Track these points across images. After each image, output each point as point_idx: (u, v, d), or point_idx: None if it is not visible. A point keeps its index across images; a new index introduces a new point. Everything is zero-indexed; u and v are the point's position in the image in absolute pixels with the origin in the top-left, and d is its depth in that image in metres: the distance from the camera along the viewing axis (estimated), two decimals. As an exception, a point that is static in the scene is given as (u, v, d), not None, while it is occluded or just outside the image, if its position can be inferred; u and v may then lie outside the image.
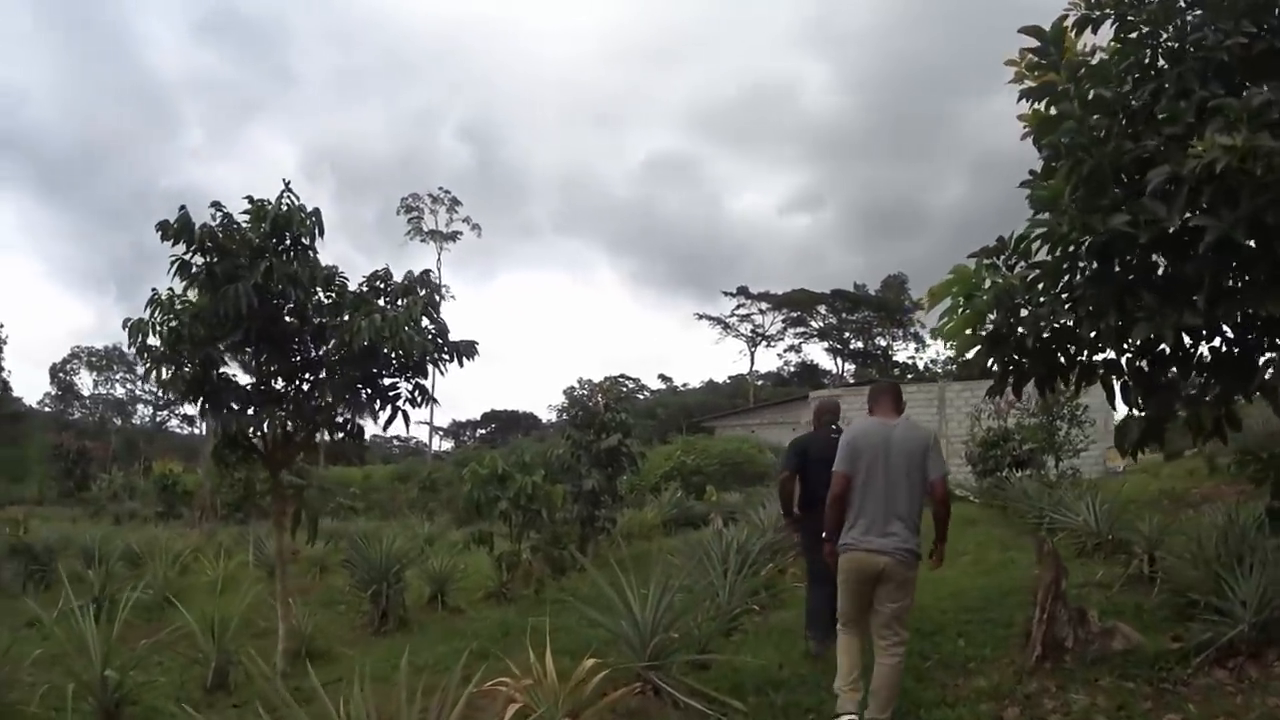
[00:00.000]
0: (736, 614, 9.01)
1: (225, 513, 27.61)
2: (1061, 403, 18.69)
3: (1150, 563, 9.29)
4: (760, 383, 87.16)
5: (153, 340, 8.90)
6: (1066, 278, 6.70)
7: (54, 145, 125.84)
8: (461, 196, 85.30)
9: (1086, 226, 6.09)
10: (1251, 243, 5.71)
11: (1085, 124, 6.35)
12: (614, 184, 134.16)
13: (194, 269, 8.89)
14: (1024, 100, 6.86)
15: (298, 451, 10.45)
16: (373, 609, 12.10)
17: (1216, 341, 6.66)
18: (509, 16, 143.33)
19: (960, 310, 6.94)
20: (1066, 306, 6.61)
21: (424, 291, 9.61)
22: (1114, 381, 6.95)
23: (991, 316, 6.82)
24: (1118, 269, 6.44)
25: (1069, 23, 6.62)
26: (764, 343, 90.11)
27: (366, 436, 10.61)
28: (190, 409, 9.58)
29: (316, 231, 9.22)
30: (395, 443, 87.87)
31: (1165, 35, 6.48)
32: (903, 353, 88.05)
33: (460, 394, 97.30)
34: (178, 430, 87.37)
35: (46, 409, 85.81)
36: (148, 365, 9.23)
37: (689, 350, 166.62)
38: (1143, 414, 6.84)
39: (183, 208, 8.84)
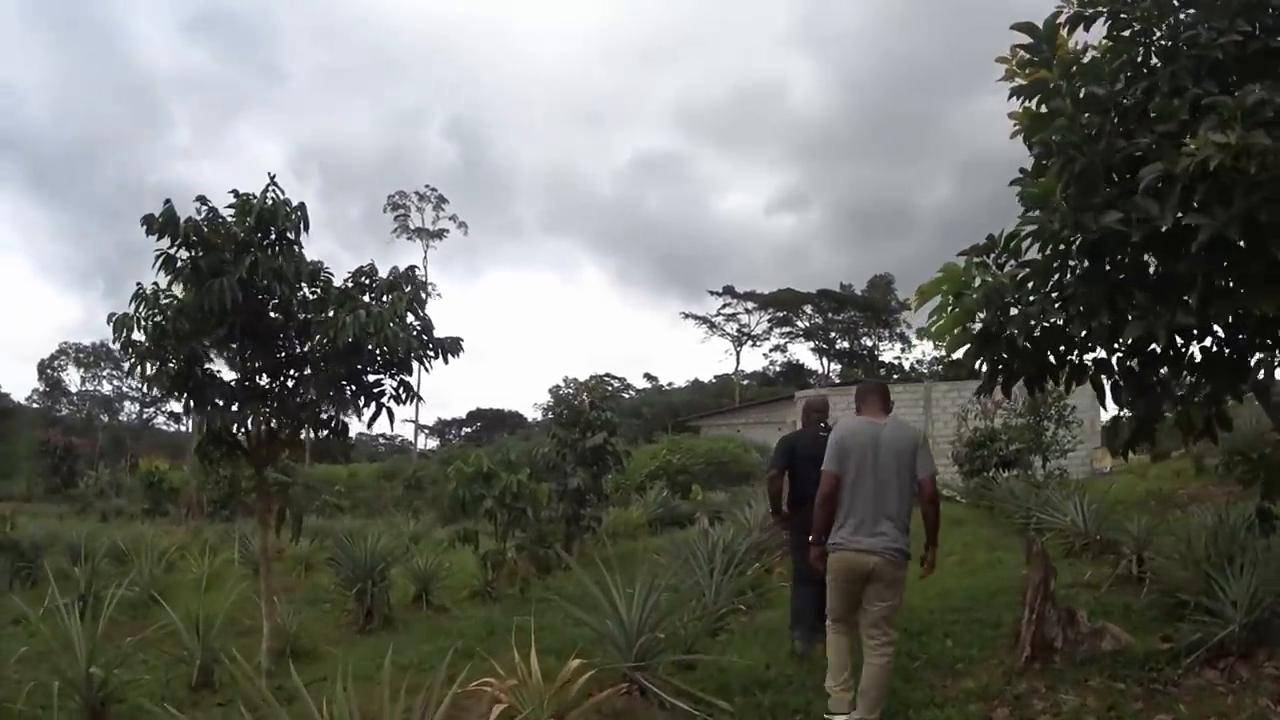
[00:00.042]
0: (723, 614, 8.98)
1: (211, 510, 27.58)
2: (1049, 403, 18.68)
3: (1139, 563, 9.31)
4: (746, 382, 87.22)
5: (137, 335, 8.81)
6: (1057, 276, 6.65)
7: (43, 143, 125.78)
8: (448, 195, 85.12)
9: (1078, 224, 6.04)
10: (1244, 242, 5.65)
11: (1077, 121, 6.30)
12: (601, 183, 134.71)
13: (179, 263, 8.80)
14: (1014, 98, 6.80)
15: (282, 449, 10.36)
16: (358, 607, 12.08)
17: (1207, 341, 6.62)
18: (496, 15, 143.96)
19: (949, 309, 6.88)
20: (1057, 305, 6.55)
21: (409, 288, 9.53)
22: (1104, 381, 6.91)
23: (981, 315, 6.75)
24: (1109, 268, 6.38)
25: (1061, 20, 6.57)
26: (750, 342, 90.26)
27: (351, 434, 10.53)
28: (176, 406, 9.47)
29: (302, 226, 9.12)
30: (381, 441, 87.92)
31: (1158, 33, 6.42)
32: (888, 353, 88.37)
33: (446, 392, 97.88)
34: (164, 427, 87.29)
35: (34, 405, 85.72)
36: (132, 361, 9.13)
37: (675, 349, 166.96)
38: (1133, 414, 6.78)
39: (167, 201, 8.75)
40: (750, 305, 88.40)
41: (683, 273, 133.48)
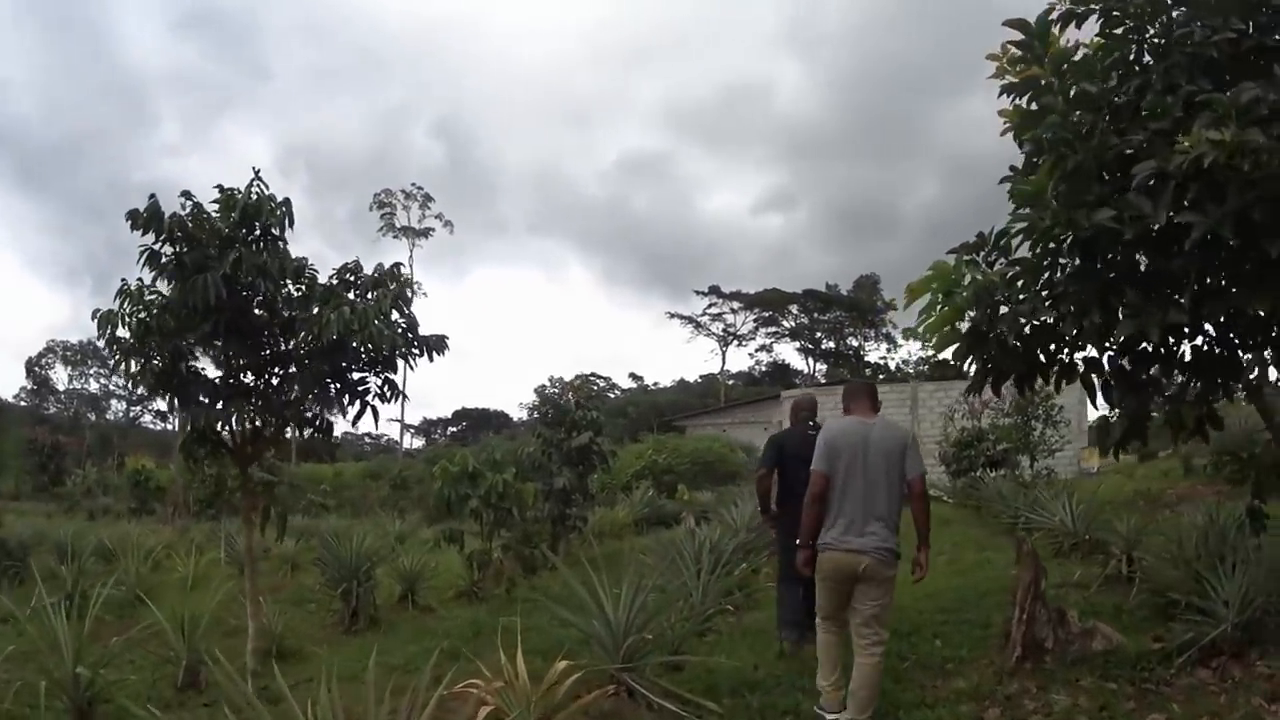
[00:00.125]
0: (710, 615, 8.92)
1: (197, 509, 27.45)
2: (1036, 403, 18.67)
3: (1128, 563, 9.30)
4: (731, 382, 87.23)
5: (122, 332, 8.72)
6: (1047, 275, 6.62)
7: (31, 139, 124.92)
8: (434, 194, 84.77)
9: (1070, 222, 6.01)
10: (1237, 240, 5.62)
11: (1069, 119, 6.27)
12: (586, 183, 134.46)
13: (163, 259, 8.71)
14: (1005, 96, 6.76)
15: (267, 447, 10.29)
16: (343, 607, 12.05)
17: (1198, 340, 6.59)
18: (483, 15, 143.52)
19: (939, 307, 6.85)
20: (1047, 304, 6.52)
21: (394, 285, 9.45)
22: (1094, 380, 6.87)
23: (971, 313, 6.73)
24: (1101, 265, 6.35)
25: (1054, 17, 6.53)
26: (735, 342, 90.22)
27: (336, 433, 10.46)
28: (162, 404, 9.39)
29: (286, 222, 9.02)
30: (366, 440, 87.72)
31: (1151, 31, 6.40)
32: (874, 353, 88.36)
33: (432, 392, 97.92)
34: (151, 426, 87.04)
35: (22, 403, 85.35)
36: (117, 358, 9.06)
37: (660, 349, 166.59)
38: (1124, 413, 6.75)
39: (152, 196, 8.66)
40: (736, 305, 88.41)
41: (669, 272, 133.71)
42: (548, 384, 64.93)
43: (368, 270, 9.59)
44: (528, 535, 14.69)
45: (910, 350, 78.19)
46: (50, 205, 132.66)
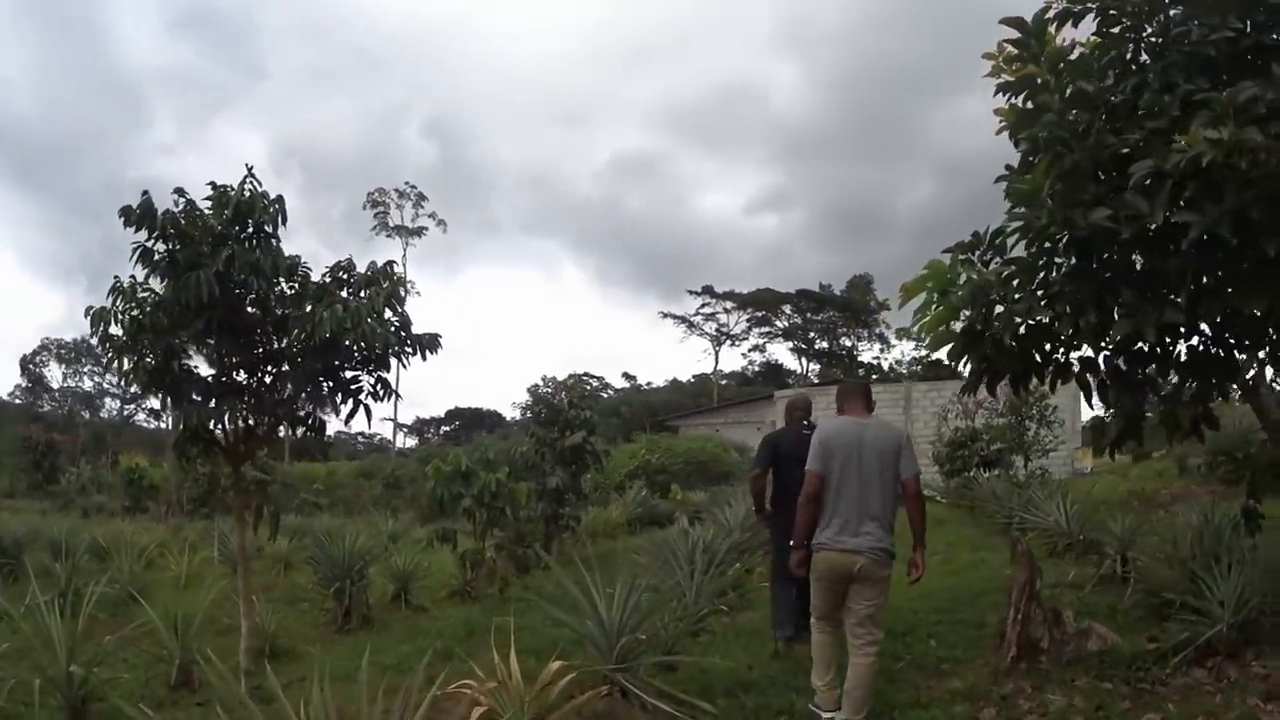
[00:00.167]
0: (704, 615, 8.89)
1: (191, 507, 27.43)
2: (1030, 403, 18.67)
3: (1123, 563, 9.29)
4: (724, 382, 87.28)
5: (115, 330, 8.67)
6: (1043, 274, 6.61)
7: (28, 137, 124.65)
8: (428, 194, 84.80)
9: (1067, 221, 5.98)
10: (1235, 239, 5.60)
11: (1065, 117, 6.25)
12: (580, 183, 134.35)
13: (156, 256, 8.66)
14: (1000, 94, 6.75)
15: (259, 446, 10.25)
16: (336, 607, 12.03)
17: (1194, 340, 6.58)
18: (477, 14, 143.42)
19: (934, 307, 6.83)
20: (1043, 303, 6.50)
21: (387, 283, 9.40)
22: (1090, 380, 6.86)
23: (966, 313, 6.70)
24: (1097, 265, 6.33)
25: (1050, 15, 6.51)
26: (729, 342, 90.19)
27: (329, 432, 10.43)
28: (156, 403, 9.35)
29: (279, 219, 8.97)
30: (359, 439, 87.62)
31: (1148, 30, 6.38)
32: (867, 353, 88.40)
33: (424, 391, 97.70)
34: (145, 425, 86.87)
35: (17, 401, 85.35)
36: (110, 355, 9.01)
37: (653, 349, 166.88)
38: (1120, 413, 6.73)
39: (145, 193, 8.60)
40: (729, 305, 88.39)
41: (662, 272, 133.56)
42: (541, 383, 65.23)
43: (360, 268, 9.55)
44: (521, 535, 14.66)
45: (903, 350, 78.32)
46: (46, 204, 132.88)
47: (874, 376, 69.71)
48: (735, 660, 7.77)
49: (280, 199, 9.03)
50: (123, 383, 9.26)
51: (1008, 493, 15.21)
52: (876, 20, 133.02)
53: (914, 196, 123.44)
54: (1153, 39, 6.35)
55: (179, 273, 8.52)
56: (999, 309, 6.56)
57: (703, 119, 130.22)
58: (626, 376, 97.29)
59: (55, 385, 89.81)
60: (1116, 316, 6.08)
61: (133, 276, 8.70)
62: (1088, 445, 28.50)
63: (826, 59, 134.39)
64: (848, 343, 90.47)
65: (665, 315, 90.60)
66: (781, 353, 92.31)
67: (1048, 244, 6.41)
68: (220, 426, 9.41)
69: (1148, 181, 5.60)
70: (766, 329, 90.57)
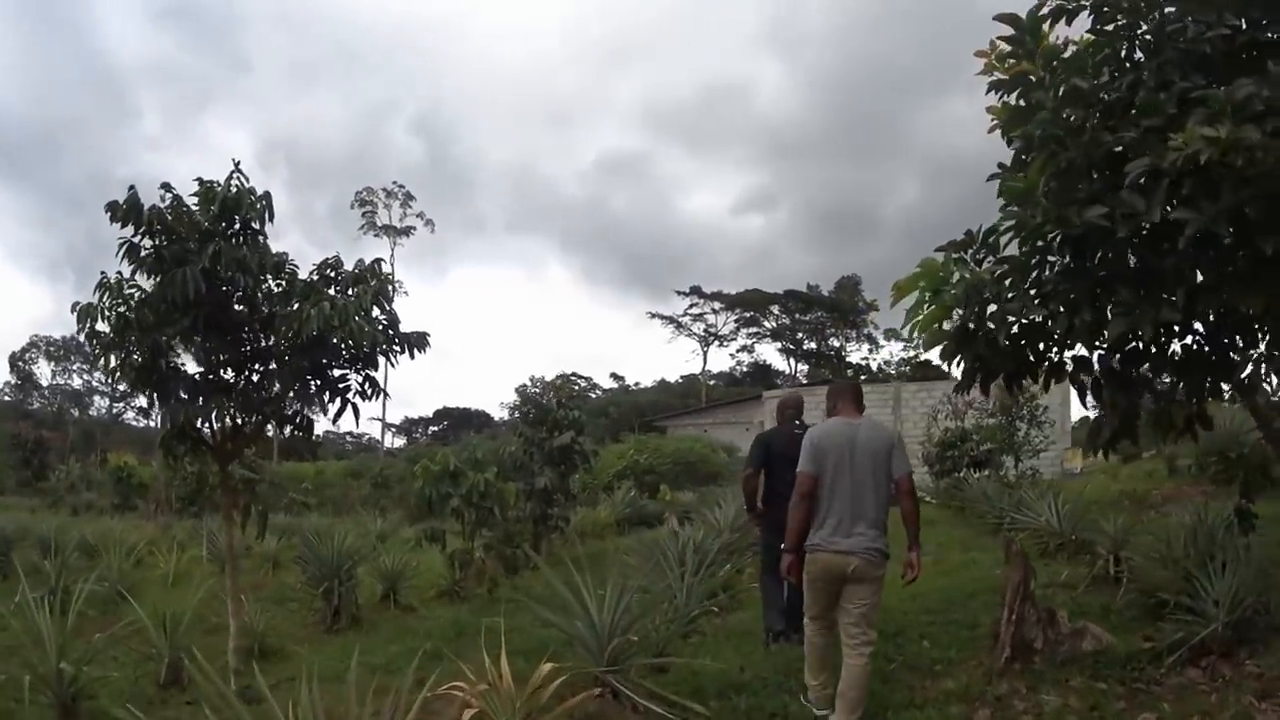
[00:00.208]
0: (694, 616, 8.83)
1: (179, 506, 27.36)
2: (1021, 403, 18.65)
3: (1115, 563, 9.26)
4: (713, 383, 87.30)
5: (101, 326, 8.60)
6: (1036, 273, 6.57)
7: (12, 129, 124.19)
8: (414, 191, 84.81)
9: (1061, 219, 5.94)
10: (1230, 238, 5.57)
11: (1060, 115, 6.21)
12: (567, 182, 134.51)
13: (142, 252, 8.59)
14: (993, 92, 6.72)
15: (247, 444, 10.18)
16: (325, 606, 11.98)
17: (1189, 339, 6.55)
18: (463, 12, 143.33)
19: (926, 306, 6.80)
20: (1036, 302, 6.47)
21: (375, 281, 9.34)
22: (1084, 379, 6.83)
23: (959, 312, 6.67)
24: (1092, 263, 6.30)
25: (1044, 12, 6.48)
26: (717, 342, 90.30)
27: (317, 431, 10.35)
28: (143, 401, 9.28)
29: (266, 215, 8.91)
30: (348, 439, 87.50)
31: (1143, 27, 6.35)
32: (856, 354, 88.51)
33: (413, 390, 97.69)
34: (134, 423, 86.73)
35: (5, 398, 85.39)
36: (96, 352, 8.95)
37: (641, 349, 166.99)
38: (1114, 412, 6.70)
39: (131, 188, 8.53)
40: (717, 305, 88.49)
41: (649, 272, 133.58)
42: (529, 383, 65.12)
43: (348, 266, 9.50)
44: (509, 535, 14.60)
45: (892, 351, 78.58)
46: (31, 198, 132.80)
47: (863, 377, 69.86)
48: (727, 661, 7.73)
49: (267, 195, 8.96)
50: (110, 380, 9.22)
51: (998, 493, 15.23)
52: (862, 20, 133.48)
53: (901, 197, 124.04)
54: (1147, 36, 6.31)
55: (165, 269, 8.45)
56: (992, 308, 6.52)
57: (689, 119, 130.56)
58: (614, 377, 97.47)
59: (44, 382, 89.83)
60: (1111, 315, 6.06)
61: (119, 272, 8.63)
62: (1077, 446, 28.56)
63: (812, 59, 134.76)
64: (836, 343, 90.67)
65: (653, 315, 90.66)
66: (770, 353, 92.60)
67: (1041, 242, 6.37)
68: (207, 425, 9.33)
69: (1142, 180, 5.57)
70: (754, 329, 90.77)
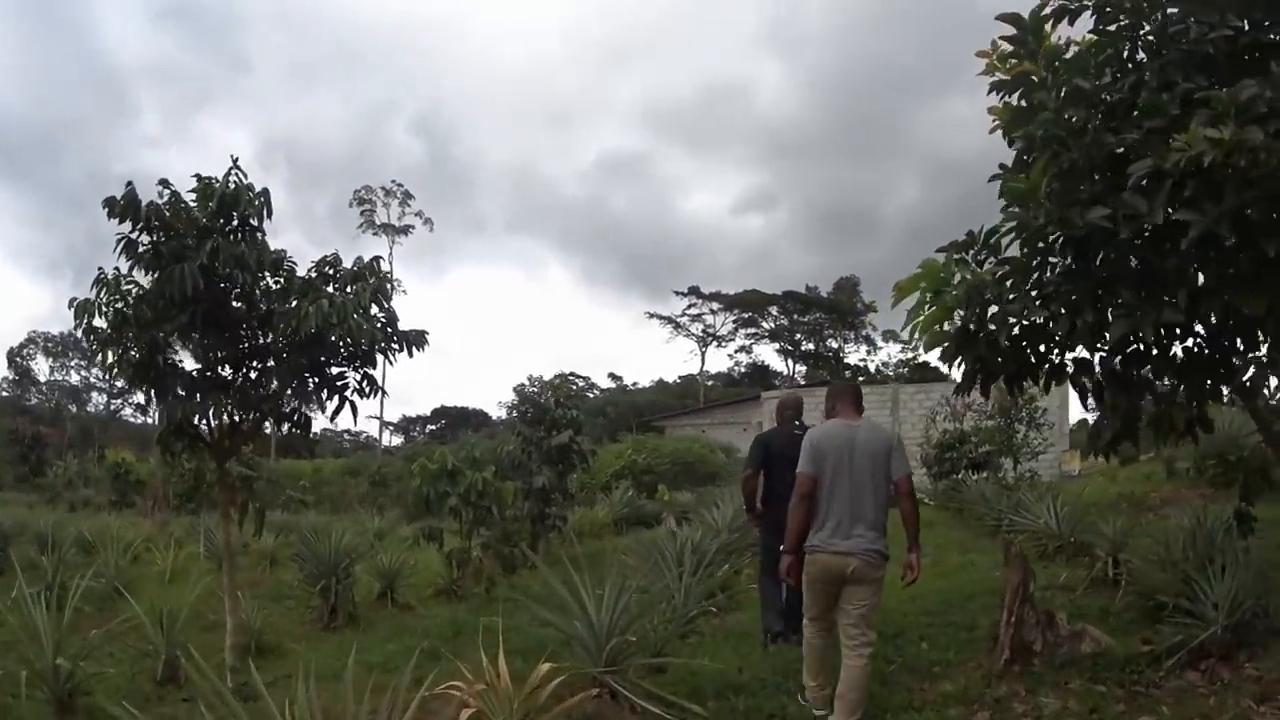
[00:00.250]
0: (693, 616, 8.80)
1: (177, 503, 27.36)
2: (1020, 405, 18.64)
3: (1114, 565, 9.24)
4: (711, 383, 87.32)
5: (98, 322, 8.57)
6: (1037, 274, 6.56)
7: (11, 128, 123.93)
8: (413, 191, 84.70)
9: (1064, 220, 5.93)
10: (1234, 239, 5.55)
11: (1062, 116, 6.20)
12: (566, 182, 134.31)
13: (140, 248, 8.56)
14: (994, 93, 6.71)
15: (244, 441, 10.15)
16: (322, 604, 11.95)
17: (1189, 341, 6.54)
18: (463, 12, 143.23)
19: (927, 306, 6.78)
20: (1038, 303, 6.46)
21: (373, 279, 9.30)
22: (1085, 381, 6.82)
23: (960, 313, 6.65)
24: (1094, 265, 6.28)
25: (1046, 12, 6.46)
26: (715, 343, 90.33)
27: (315, 429, 10.34)
28: (141, 397, 9.25)
29: (265, 212, 8.87)
30: (345, 437, 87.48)
31: (1146, 28, 6.33)
32: (854, 355, 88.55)
33: (410, 389, 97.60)
34: (132, 419, 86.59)
35: (3, 394, 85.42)
36: (93, 348, 8.91)
37: (639, 349, 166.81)
38: (1117, 414, 6.68)
39: (129, 184, 8.49)
40: (715, 306, 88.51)
41: (648, 273, 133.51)
42: (527, 383, 65.17)
43: (347, 264, 9.47)
44: (507, 534, 14.57)
45: (890, 352, 78.58)
46: (31, 196, 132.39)
47: (861, 378, 69.84)
48: (725, 662, 7.71)
49: (265, 191, 8.92)
50: (107, 376, 9.18)
51: (997, 495, 15.22)
52: (862, 20, 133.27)
53: (900, 198, 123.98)
54: (1150, 37, 6.31)
55: (163, 265, 8.42)
56: (993, 309, 6.51)
57: (688, 119, 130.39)
58: (612, 376, 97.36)
59: (42, 378, 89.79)
60: (1113, 317, 6.05)
61: (116, 268, 8.60)
62: (1074, 448, 28.57)
63: (812, 59, 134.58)
64: (834, 344, 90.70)
65: (651, 315, 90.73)
66: (768, 354, 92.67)
67: (1042, 244, 6.36)
68: (205, 422, 9.30)
69: (1145, 181, 5.56)
70: (753, 330, 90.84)
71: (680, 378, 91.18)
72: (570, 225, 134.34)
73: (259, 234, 8.93)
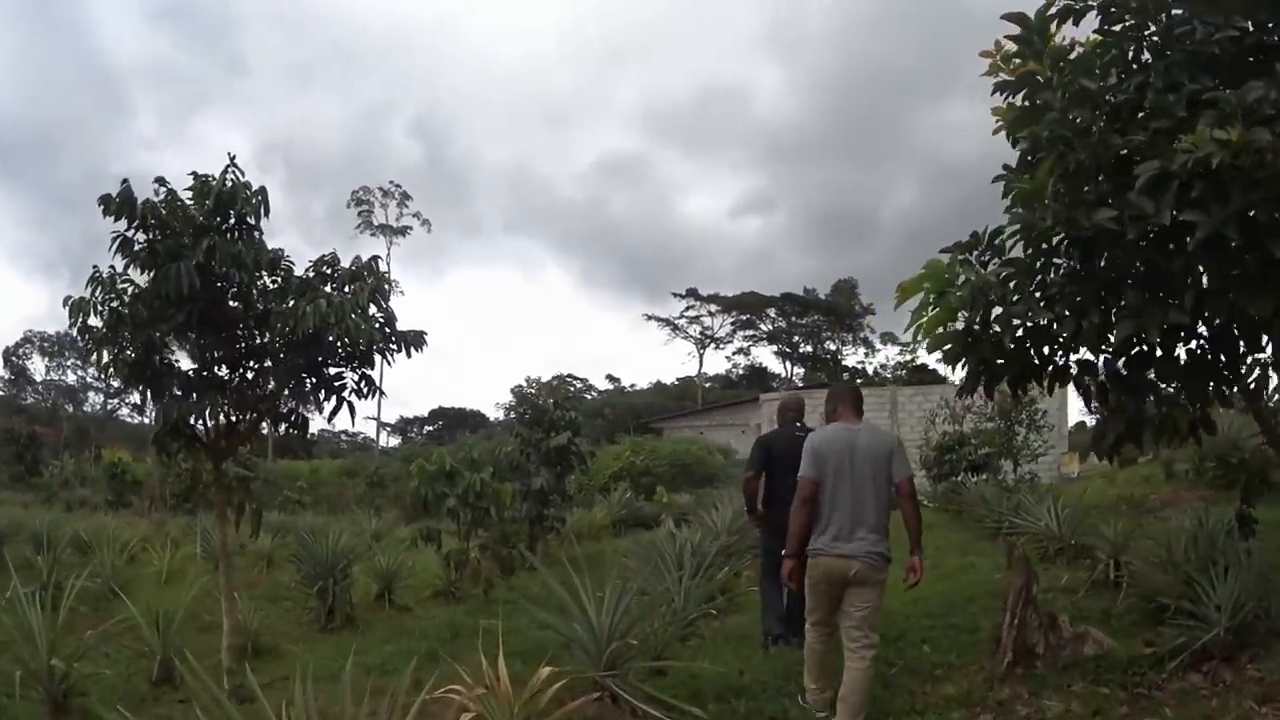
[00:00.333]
0: (693, 619, 8.76)
1: (173, 503, 27.31)
2: (1020, 407, 18.62)
3: (1116, 568, 9.23)
4: (709, 385, 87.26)
5: (94, 321, 8.56)
6: (1041, 276, 6.53)
7: (7, 129, 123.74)
8: (411, 192, 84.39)
9: (1070, 222, 5.91)
10: (1239, 241, 5.52)
11: (1068, 116, 6.17)
12: (564, 184, 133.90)
13: (136, 246, 8.53)
14: (997, 93, 6.68)
15: (241, 442, 10.12)
16: (319, 605, 11.90)
17: (1192, 344, 6.51)
18: (460, 13, 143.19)
19: (931, 307, 6.75)
20: (1042, 304, 6.43)
21: (371, 279, 9.28)
22: (1088, 383, 6.79)
23: (964, 314, 6.62)
24: (1100, 266, 6.25)
25: (1051, 13, 6.43)
26: (713, 345, 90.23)
27: (313, 430, 10.30)
28: (138, 397, 9.23)
29: (262, 211, 8.84)
30: (343, 437, 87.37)
31: (1151, 29, 6.31)
32: (852, 357, 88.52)
33: (408, 390, 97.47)
34: (128, 419, 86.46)
35: (0, 393, 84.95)
36: (88, 347, 8.88)
37: (637, 351, 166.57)
38: (1122, 415, 6.66)
39: (125, 182, 8.48)
40: (714, 308, 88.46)
41: (646, 274, 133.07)
42: (525, 384, 65.07)
43: (345, 263, 9.43)
44: (505, 535, 14.55)
45: (888, 354, 78.57)
46: (27, 197, 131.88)
47: (859, 381, 69.83)
48: (726, 665, 7.68)
49: (263, 190, 8.90)
50: (103, 375, 9.15)
51: (996, 497, 15.20)
52: (861, 22, 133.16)
53: (899, 200, 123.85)
54: (1155, 37, 6.29)
55: (159, 263, 8.40)
56: (997, 310, 6.48)
57: (687, 121, 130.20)
58: (610, 378, 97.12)
59: (38, 378, 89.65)
60: (1118, 318, 6.02)
61: (112, 267, 8.59)
62: (1074, 450, 28.57)
63: (811, 61, 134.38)
64: (832, 347, 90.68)
65: (649, 317, 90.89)
66: (766, 356, 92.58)
67: (1047, 245, 6.33)
68: (201, 422, 9.28)
69: (1152, 182, 5.52)
70: (751, 332, 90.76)
71: (678, 380, 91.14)
72: (568, 227, 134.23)
73: (256, 233, 8.92)
